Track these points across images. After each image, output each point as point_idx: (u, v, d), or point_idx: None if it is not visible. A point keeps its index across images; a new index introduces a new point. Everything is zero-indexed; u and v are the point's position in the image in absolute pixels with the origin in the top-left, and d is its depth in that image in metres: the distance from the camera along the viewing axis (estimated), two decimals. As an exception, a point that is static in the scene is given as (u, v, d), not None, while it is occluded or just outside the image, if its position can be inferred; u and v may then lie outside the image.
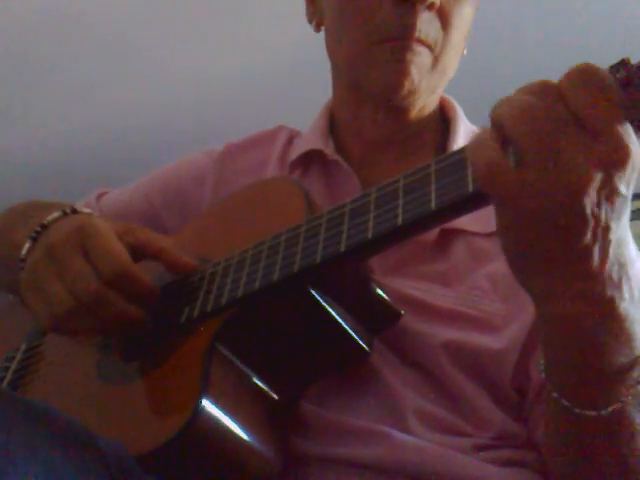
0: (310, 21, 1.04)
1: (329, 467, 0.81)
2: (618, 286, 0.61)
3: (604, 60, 0.60)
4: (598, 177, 0.56)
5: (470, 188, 0.63)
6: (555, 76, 0.60)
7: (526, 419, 0.87)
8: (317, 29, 1.02)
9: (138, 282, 0.79)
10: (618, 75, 0.57)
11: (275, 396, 0.79)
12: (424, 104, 0.98)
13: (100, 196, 1.15)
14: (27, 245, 0.86)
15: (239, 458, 0.75)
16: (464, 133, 0.99)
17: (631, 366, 0.66)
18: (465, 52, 1.00)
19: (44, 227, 0.86)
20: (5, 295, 1.07)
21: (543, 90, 0.57)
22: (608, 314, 0.62)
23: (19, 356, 0.95)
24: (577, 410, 0.68)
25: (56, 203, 0.96)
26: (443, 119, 1.03)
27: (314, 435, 0.82)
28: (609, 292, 0.61)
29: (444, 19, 0.92)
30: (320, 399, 0.83)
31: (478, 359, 0.84)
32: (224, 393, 0.75)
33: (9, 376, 0.92)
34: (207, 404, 0.72)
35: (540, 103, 0.56)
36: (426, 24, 0.91)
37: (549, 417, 0.77)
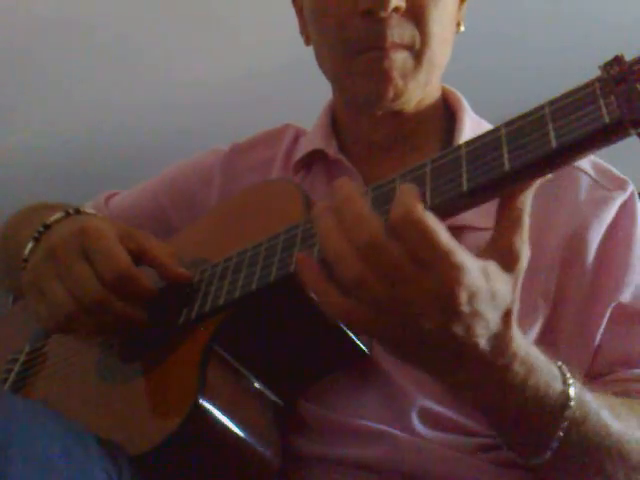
0: (302, 34, 1.03)
1: (330, 468, 0.81)
2: (506, 354, 0.64)
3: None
4: (436, 308, 0.58)
5: (465, 187, 0.63)
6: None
7: None
8: (308, 42, 1.02)
9: (138, 285, 0.80)
10: (612, 71, 0.56)
11: (272, 397, 0.79)
12: (420, 98, 0.96)
13: (109, 198, 1.15)
14: (30, 245, 0.86)
15: (236, 458, 0.75)
16: (470, 124, 0.97)
17: (554, 407, 0.67)
18: (462, 28, 0.98)
19: (47, 227, 0.87)
20: (5, 296, 1.07)
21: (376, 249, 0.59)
22: (504, 380, 0.65)
23: (22, 358, 0.95)
24: (522, 460, 0.72)
25: (62, 204, 0.96)
26: (448, 111, 1.01)
27: (315, 435, 0.82)
28: (500, 361, 0.63)
29: (417, 15, 0.90)
30: (321, 397, 0.82)
31: None
32: (221, 394, 0.75)
33: (12, 377, 0.93)
34: (203, 404, 0.72)
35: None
36: (397, 28, 0.89)
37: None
